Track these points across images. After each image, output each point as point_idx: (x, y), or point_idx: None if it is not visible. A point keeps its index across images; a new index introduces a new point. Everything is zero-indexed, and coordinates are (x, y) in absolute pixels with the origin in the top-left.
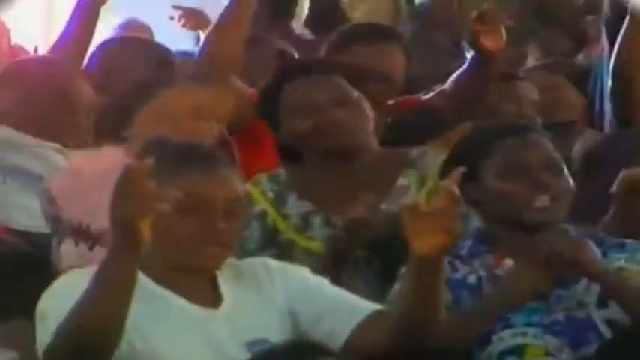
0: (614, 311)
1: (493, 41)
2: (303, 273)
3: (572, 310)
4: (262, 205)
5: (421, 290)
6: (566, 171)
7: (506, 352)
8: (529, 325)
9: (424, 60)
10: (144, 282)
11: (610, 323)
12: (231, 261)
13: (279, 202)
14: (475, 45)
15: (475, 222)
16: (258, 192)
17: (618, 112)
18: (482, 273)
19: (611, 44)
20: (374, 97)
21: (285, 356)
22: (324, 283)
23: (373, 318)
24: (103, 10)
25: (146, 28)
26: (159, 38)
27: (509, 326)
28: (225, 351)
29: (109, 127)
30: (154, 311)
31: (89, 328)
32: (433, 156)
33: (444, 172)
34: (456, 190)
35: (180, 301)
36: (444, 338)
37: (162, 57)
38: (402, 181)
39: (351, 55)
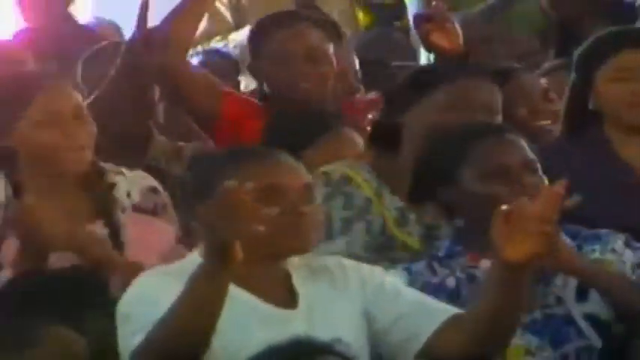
0: (593, 305)
1: (447, 39)
2: (378, 273)
3: (551, 307)
4: (368, 192)
5: (505, 297)
6: (541, 171)
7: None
8: None
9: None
10: None
11: (589, 318)
12: (305, 258)
13: (378, 193)
14: (428, 46)
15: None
16: (361, 178)
17: None
18: (461, 275)
19: None
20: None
21: (285, 355)
22: (400, 285)
23: (452, 322)
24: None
25: (114, 27)
26: None
27: None
28: None
29: None
30: (230, 311)
31: (180, 339)
32: None
33: (418, 173)
34: (559, 197)
35: (255, 301)
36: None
37: None
38: None
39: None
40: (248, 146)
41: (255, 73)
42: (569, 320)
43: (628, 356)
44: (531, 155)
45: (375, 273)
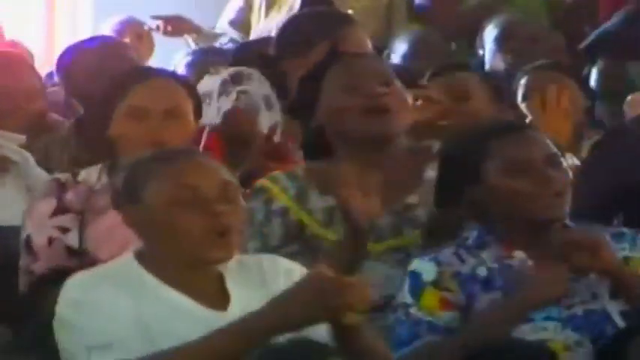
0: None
1: None
2: (302, 271)
3: (588, 303)
4: (283, 201)
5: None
6: (565, 165)
7: None
8: (548, 319)
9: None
10: (151, 283)
11: (624, 314)
12: (238, 257)
13: (301, 198)
14: None
15: None
16: (279, 188)
17: None
18: (493, 265)
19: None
20: None
21: (288, 354)
22: None
23: None
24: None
25: (141, 27)
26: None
27: (528, 320)
28: None
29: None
30: (161, 312)
31: None
32: None
33: (443, 174)
34: None
35: (188, 303)
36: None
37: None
38: (430, 174)
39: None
40: (171, 149)
41: None
42: (606, 316)
43: (629, 354)
44: (553, 149)
45: (294, 271)
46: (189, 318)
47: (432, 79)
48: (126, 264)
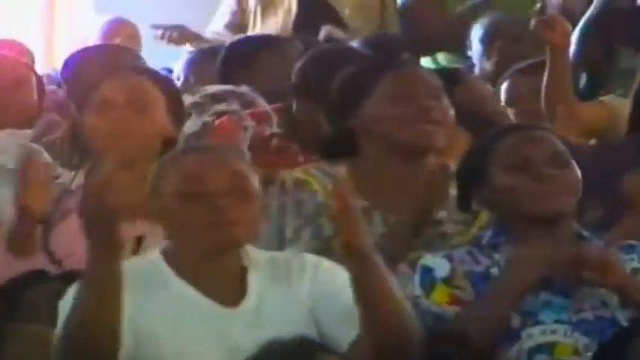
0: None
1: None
2: (334, 272)
3: (598, 308)
4: (323, 196)
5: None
6: (573, 164)
7: (536, 350)
8: (558, 322)
9: None
10: (168, 276)
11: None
12: (269, 253)
13: None
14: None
15: None
16: (318, 184)
17: None
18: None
19: None
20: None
21: (287, 352)
22: (344, 284)
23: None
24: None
25: (132, 27)
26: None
27: (538, 323)
28: (240, 350)
29: None
30: (170, 306)
31: (83, 335)
32: None
33: (460, 176)
34: None
35: (200, 298)
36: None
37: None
38: (453, 192)
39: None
40: (191, 145)
41: None
42: (616, 323)
43: (629, 355)
44: (558, 148)
45: (332, 271)
46: (196, 312)
47: None
48: (150, 259)
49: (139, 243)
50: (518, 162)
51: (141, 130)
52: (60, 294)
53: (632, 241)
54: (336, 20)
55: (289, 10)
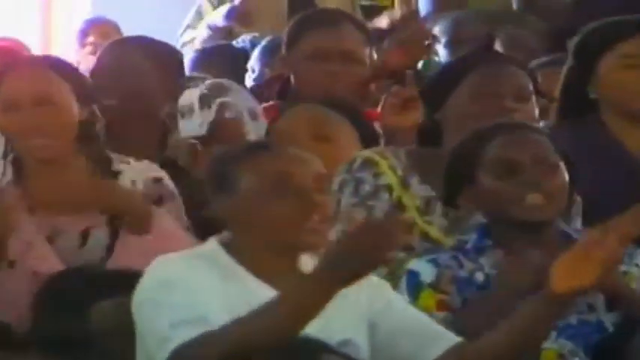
0: (620, 315)
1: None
2: (387, 287)
3: (584, 313)
4: (390, 178)
5: (535, 327)
6: (562, 168)
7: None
8: None
9: None
10: (239, 271)
11: (618, 326)
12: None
13: (405, 180)
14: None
15: (479, 217)
16: (387, 165)
17: None
18: (490, 271)
19: None
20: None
21: (287, 352)
22: (407, 304)
23: (457, 350)
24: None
25: (107, 26)
26: None
27: None
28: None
29: None
30: (246, 300)
31: (265, 340)
32: None
33: (447, 174)
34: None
35: (270, 292)
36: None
37: (168, 56)
38: None
39: (307, 42)
40: (261, 140)
41: (286, 65)
42: (602, 328)
43: (627, 355)
44: (546, 151)
45: (385, 286)
46: None
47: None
48: (213, 250)
49: (84, 237)
50: (505, 166)
51: (50, 124)
52: None
53: None
54: None
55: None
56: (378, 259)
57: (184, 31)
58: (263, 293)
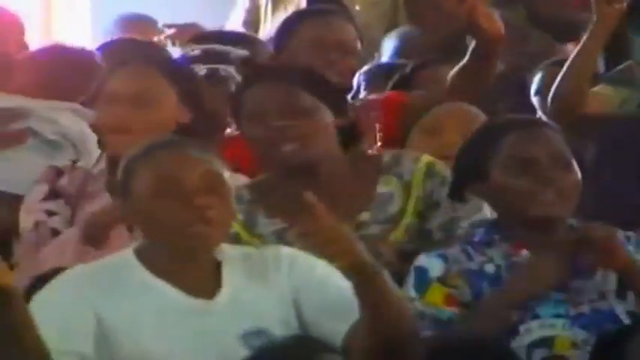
0: (632, 304)
1: (494, 26)
2: (313, 262)
3: (596, 302)
4: (234, 227)
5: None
6: (575, 165)
7: (536, 344)
8: (557, 316)
9: None
10: (142, 274)
11: (631, 315)
12: (244, 249)
13: (249, 223)
14: (476, 30)
15: (487, 211)
16: None
17: None
18: (500, 262)
19: None
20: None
21: (287, 352)
22: (332, 275)
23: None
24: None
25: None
26: None
27: (536, 317)
28: (218, 342)
29: None
30: (147, 303)
31: None
32: (410, 161)
33: (458, 167)
34: None
35: (174, 293)
36: (466, 333)
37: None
38: (381, 189)
39: (304, 31)
40: (159, 140)
41: None
42: (614, 316)
43: (627, 353)
44: (561, 149)
45: (310, 261)
46: (174, 307)
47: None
48: (123, 258)
49: None
50: (520, 162)
51: (143, 123)
52: None
53: (629, 233)
54: None
55: (298, 6)
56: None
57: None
58: (165, 292)
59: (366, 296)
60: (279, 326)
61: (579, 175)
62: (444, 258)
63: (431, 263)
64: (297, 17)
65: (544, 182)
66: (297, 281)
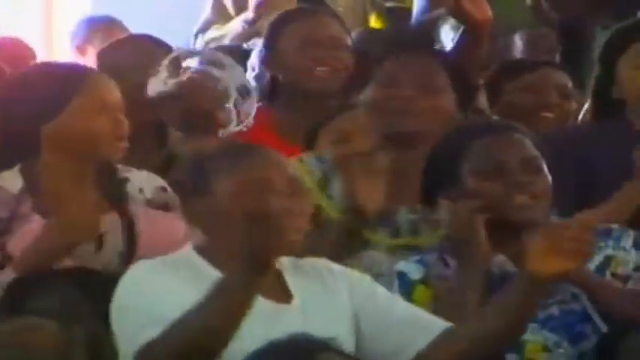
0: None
1: (480, 10)
2: (368, 281)
3: (568, 302)
4: (308, 183)
5: (519, 311)
6: (545, 170)
7: (505, 350)
8: None
9: None
10: (213, 273)
11: (604, 316)
12: (291, 259)
13: (325, 181)
14: (462, 16)
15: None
16: (305, 170)
17: None
18: None
19: None
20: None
21: (285, 351)
22: (393, 296)
23: (446, 337)
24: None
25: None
26: None
27: None
28: None
29: None
30: None
31: (202, 341)
32: None
33: (427, 172)
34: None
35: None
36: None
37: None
38: None
39: (294, 29)
40: (239, 143)
41: (271, 66)
42: (586, 316)
43: (619, 354)
44: (532, 153)
45: (365, 281)
46: (256, 311)
47: None
48: (187, 256)
49: (100, 242)
50: (491, 167)
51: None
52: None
53: (613, 225)
54: None
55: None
56: (275, 244)
57: (204, 27)
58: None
59: (530, 307)
60: (346, 336)
61: (550, 178)
62: (423, 263)
63: (410, 268)
64: (286, 17)
65: (517, 186)
66: (358, 297)
